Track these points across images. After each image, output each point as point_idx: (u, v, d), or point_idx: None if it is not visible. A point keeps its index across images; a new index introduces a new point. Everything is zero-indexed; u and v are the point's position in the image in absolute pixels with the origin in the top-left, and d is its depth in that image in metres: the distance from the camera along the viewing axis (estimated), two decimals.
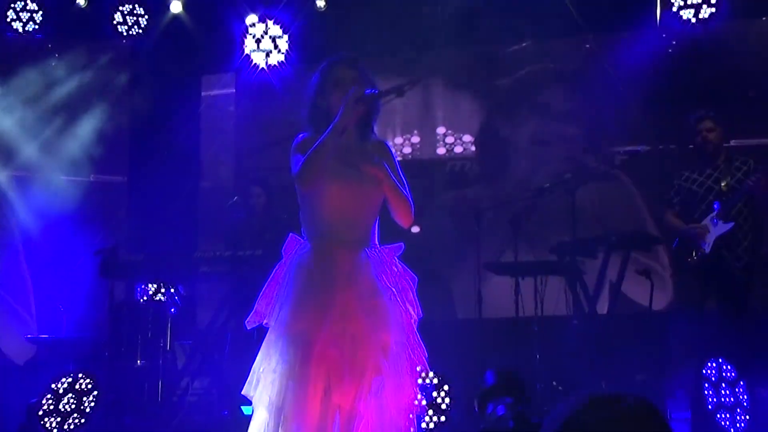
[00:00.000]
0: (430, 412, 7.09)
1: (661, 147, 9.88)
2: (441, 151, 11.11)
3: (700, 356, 6.83)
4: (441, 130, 11.14)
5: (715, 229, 7.48)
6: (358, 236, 4.18)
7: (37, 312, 10.87)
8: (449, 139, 11.09)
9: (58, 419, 7.31)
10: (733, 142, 7.96)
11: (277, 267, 4.20)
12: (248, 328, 4.16)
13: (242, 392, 4.12)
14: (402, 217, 4.26)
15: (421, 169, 10.88)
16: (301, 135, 4.30)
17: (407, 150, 11.14)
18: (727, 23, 10.09)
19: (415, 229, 10.15)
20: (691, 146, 7.97)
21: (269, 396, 4.01)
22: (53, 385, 7.37)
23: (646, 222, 10.00)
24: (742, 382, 6.66)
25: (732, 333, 7.18)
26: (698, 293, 7.63)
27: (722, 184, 7.58)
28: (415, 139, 11.17)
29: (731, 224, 7.43)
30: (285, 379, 3.98)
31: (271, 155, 11.25)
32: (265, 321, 4.11)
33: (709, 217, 7.53)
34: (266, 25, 11.13)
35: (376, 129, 4.46)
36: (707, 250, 7.50)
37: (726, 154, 7.76)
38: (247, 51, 11.17)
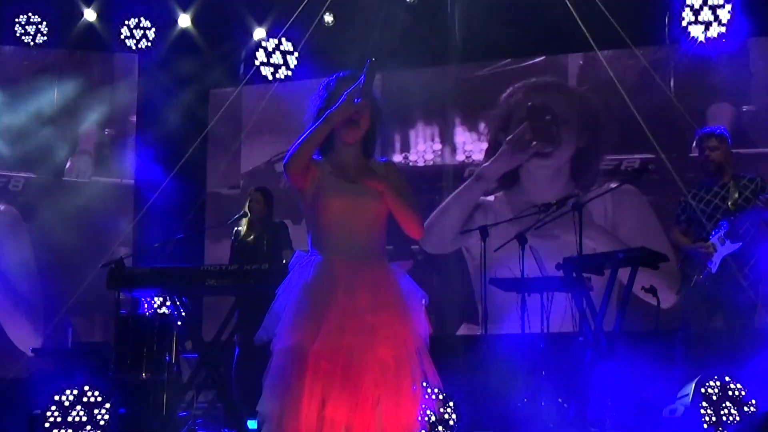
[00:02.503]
0: (440, 428, 7.07)
1: (670, 157, 9.91)
2: (460, 158, 11.20)
3: (702, 374, 6.81)
4: (460, 138, 11.22)
5: (722, 248, 7.47)
6: (361, 250, 4.17)
7: (44, 320, 10.88)
8: (468, 147, 11.18)
9: (69, 431, 7.28)
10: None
11: (283, 283, 4.20)
12: (257, 344, 4.15)
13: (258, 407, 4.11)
14: (409, 229, 4.26)
15: (441, 176, 11.01)
16: None
17: (429, 156, 11.26)
18: (735, 41, 10.12)
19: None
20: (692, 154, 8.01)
21: (270, 410, 4.01)
22: (56, 397, 7.35)
23: (657, 235, 10.05)
24: (754, 401, 6.64)
25: (740, 351, 7.16)
26: (705, 311, 7.62)
27: (729, 203, 7.57)
28: (437, 146, 11.27)
29: (739, 244, 7.42)
30: (282, 393, 3.98)
31: (275, 165, 11.32)
32: (273, 337, 4.11)
33: (716, 236, 7.51)
34: (274, 40, 11.15)
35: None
36: (714, 269, 7.49)
37: (733, 171, 7.76)
38: (255, 65, 11.20)
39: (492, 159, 11.00)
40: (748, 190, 7.58)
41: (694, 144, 7.99)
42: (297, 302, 4.07)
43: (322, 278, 4.08)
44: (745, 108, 10.24)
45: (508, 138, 10.95)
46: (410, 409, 4.06)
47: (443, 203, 10.96)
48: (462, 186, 10.94)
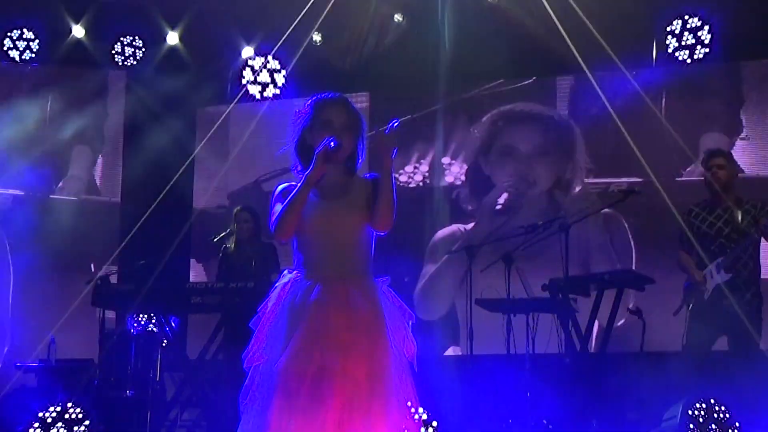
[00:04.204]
0: None
1: (660, 181, 9.95)
2: (449, 179, 11.20)
3: (690, 396, 6.81)
4: (446, 159, 11.22)
5: (717, 277, 7.49)
6: (344, 268, 4.17)
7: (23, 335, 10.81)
8: (455, 169, 11.18)
9: None
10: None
11: (264, 302, 4.21)
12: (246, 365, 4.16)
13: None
14: (383, 220, 4.17)
15: (431, 198, 11.03)
16: (281, 186, 4.29)
17: (418, 177, 11.25)
18: (720, 64, 10.19)
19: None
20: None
21: (246, 428, 4.03)
22: (40, 414, 7.32)
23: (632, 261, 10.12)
24: (737, 424, 6.64)
25: (738, 376, 7.16)
26: (707, 334, 7.63)
27: (736, 223, 7.57)
28: (424, 168, 11.25)
29: (729, 276, 7.43)
30: (256, 413, 4.01)
31: (262, 185, 11.32)
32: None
33: (714, 264, 7.53)
34: (262, 58, 11.16)
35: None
36: (705, 297, 7.52)
37: (736, 194, 7.75)
38: (243, 83, 11.21)
39: (473, 225, 10.89)
40: (750, 215, 7.58)
41: (700, 161, 7.97)
42: (272, 321, 4.09)
43: (296, 297, 4.09)
44: (738, 140, 10.22)
45: (486, 205, 10.87)
46: (381, 429, 4.03)
47: (434, 270, 10.85)
48: (450, 253, 10.66)
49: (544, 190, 10.75)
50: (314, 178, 4.15)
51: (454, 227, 10.94)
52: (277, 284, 4.23)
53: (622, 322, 8.57)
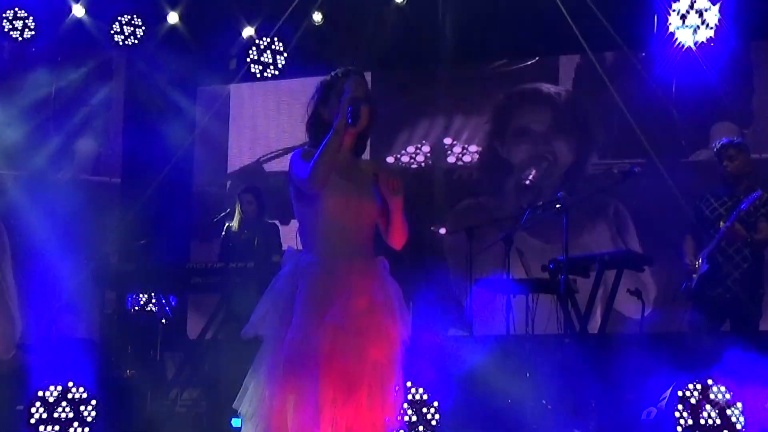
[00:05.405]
0: (421, 428, 7.06)
1: (663, 162, 9.93)
2: (451, 159, 11.18)
3: (683, 377, 6.81)
4: (448, 140, 11.19)
5: (702, 267, 7.56)
6: (356, 249, 4.18)
7: (24, 316, 10.81)
8: (457, 149, 11.16)
9: (56, 427, 7.24)
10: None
11: (275, 278, 4.19)
12: (244, 338, 4.14)
13: (234, 405, 4.10)
14: (399, 236, 4.25)
15: (432, 179, 11.01)
16: (299, 149, 4.27)
17: (420, 158, 11.24)
18: (723, 45, 10.15)
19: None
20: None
21: (269, 409, 4.00)
22: (39, 393, 7.31)
23: (632, 242, 10.12)
24: (739, 405, 6.63)
25: (740, 359, 7.17)
26: (711, 317, 7.67)
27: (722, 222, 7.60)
28: (426, 149, 11.24)
29: (706, 267, 7.48)
30: (285, 393, 3.98)
31: (264, 166, 11.31)
32: (261, 332, 4.09)
33: (705, 252, 7.58)
34: (267, 39, 11.14)
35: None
36: (692, 285, 7.57)
37: (748, 181, 7.74)
38: (245, 63, 11.18)
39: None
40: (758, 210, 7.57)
41: (714, 152, 7.97)
42: (299, 300, 4.05)
43: (322, 277, 4.07)
44: (746, 131, 10.16)
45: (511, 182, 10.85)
46: (396, 409, 4.08)
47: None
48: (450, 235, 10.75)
49: (565, 170, 10.72)
50: (341, 125, 4.11)
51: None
52: (287, 262, 4.22)
53: (621, 302, 8.56)
